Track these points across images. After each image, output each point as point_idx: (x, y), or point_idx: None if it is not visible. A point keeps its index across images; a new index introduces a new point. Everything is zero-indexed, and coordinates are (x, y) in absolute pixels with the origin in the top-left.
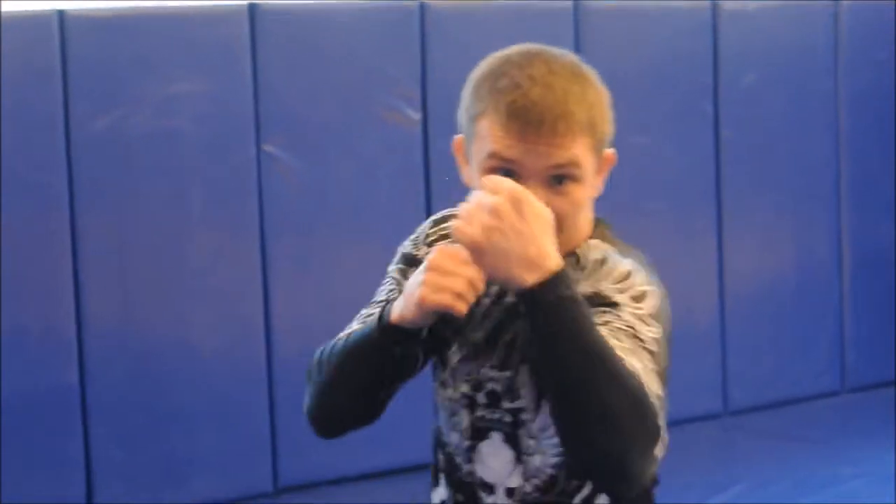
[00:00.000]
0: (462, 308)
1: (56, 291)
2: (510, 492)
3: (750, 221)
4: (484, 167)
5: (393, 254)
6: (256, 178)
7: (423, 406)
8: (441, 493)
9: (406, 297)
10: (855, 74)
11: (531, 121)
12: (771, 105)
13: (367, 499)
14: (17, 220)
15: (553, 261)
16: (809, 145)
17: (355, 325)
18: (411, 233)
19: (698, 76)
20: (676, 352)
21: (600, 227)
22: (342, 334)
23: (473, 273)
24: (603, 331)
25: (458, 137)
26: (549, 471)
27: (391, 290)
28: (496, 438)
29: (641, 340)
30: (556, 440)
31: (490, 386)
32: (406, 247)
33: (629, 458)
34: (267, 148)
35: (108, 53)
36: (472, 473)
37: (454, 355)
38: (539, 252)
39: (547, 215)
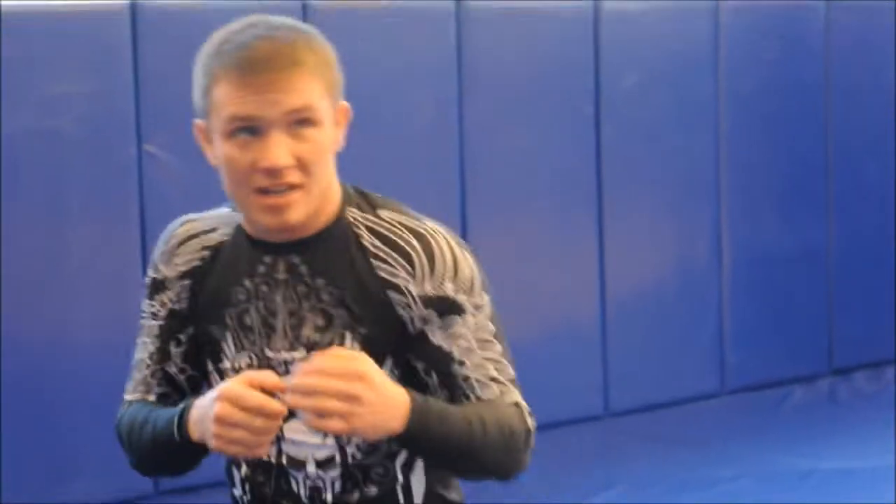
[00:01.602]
0: (261, 453)
1: None
2: (322, 463)
3: (631, 222)
4: (226, 132)
5: None
6: (137, 178)
7: None
8: (237, 490)
9: (202, 427)
10: (736, 75)
11: (262, 71)
12: (652, 106)
13: None
14: None
15: (405, 402)
16: (690, 146)
17: (137, 375)
18: None
19: (580, 77)
20: (557, 352)
21: (365, 195)
22: (130, 395)
23: (262, 420)
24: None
25: (197, 122)
26: None
27: (151, 328)
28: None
29: (490, 340)
30: None
31: (283, 369)
32: (149, 273)
33: (514, 474)
34: (148, 147)
35: None
36: (279, 454)
37: (228, 348)
38: (395, 405)
39: (377, 369)
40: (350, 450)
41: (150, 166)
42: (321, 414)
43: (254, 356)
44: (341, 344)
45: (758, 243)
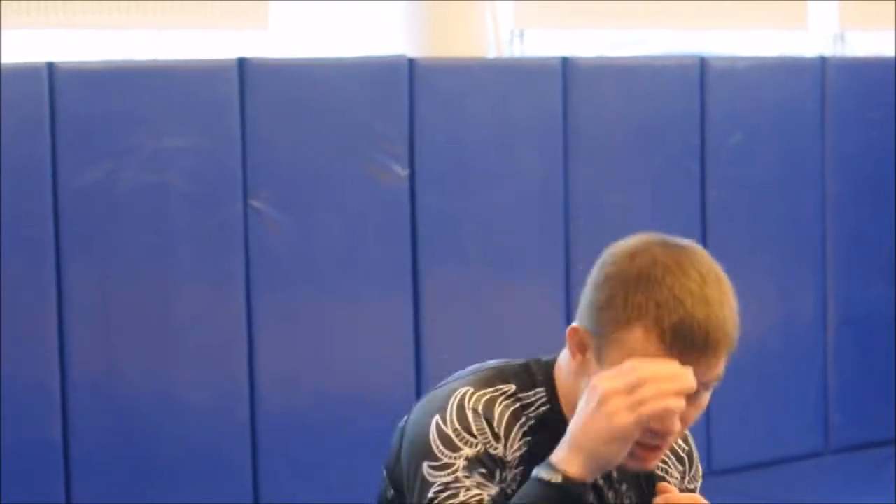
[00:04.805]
0: (682, 404)
1: (41, 345)
2: None
3: (735, 281)
4: None
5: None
6: (243, 234)
7: None
8: None
9: (593, 430)
10: (843, 134)
11: (696, 344)
12: (757, 165)
13: None
14: (3, 272)
15: None
16: (796, 205)
17: None
18: (398, 291)
19: (685, 135)
20: None
21: None
22: None
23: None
24: None
25: (578, 327)
26: None
27: (480, 484)
28: None
29: None
30: None
31: None
32: (477, 445)
33: None
34: (254, 203)
35: (97, 106)
36: None
37: None
38: None
39: None
40: None
41: (256, 222)
42: None
43: None
44: None
45: (863, 303)
